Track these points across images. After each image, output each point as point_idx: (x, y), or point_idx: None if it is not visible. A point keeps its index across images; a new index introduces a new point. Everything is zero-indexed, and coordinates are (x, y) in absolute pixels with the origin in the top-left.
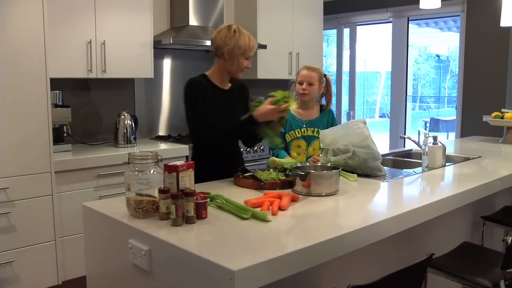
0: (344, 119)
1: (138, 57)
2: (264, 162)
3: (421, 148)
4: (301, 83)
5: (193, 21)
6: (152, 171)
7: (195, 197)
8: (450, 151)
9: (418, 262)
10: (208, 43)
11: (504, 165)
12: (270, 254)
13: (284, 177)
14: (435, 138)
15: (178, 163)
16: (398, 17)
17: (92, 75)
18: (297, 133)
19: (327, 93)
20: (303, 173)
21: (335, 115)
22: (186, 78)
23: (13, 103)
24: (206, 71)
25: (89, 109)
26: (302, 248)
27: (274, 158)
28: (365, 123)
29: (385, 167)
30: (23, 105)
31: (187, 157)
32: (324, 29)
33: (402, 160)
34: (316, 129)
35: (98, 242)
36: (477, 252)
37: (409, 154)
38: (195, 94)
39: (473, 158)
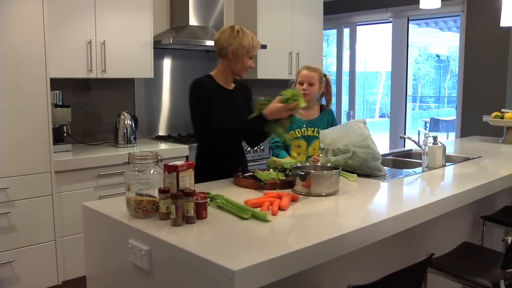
0: (344, 119)
1: (138, 57)
2: (264, 162)
3: (421, 148)
4: (301, 83)
5: (193, 21)
6: (152, 171)
7: (195, 197)
8: (450, 151)
9: (418, 262)
10: (208, 43)
11: (504, 165)
12: (270, 254)
13: (284, 177)
14: (435, 138)
15: (178, 163)
16: (398, 17)
17: (92, 75)
18: (297, 133)
19: (327, 93)
20: (303, 173)
21: (335, 115)
22: (186, 78)
23: (13, 103)
24: (207, 71)
25: (89, 109)
26: (302, 248)
27: (274, 158)
28: (365, 123)
29: (385, 167)
30: (23, 105)
31: (187, 157)
32: (324, 29)
33: (402, 160)
34: (316, 129)
35: (98, 242)
36: (477, 252)
37: (409, 154)
38: (202, 94)
39: (473, 158)
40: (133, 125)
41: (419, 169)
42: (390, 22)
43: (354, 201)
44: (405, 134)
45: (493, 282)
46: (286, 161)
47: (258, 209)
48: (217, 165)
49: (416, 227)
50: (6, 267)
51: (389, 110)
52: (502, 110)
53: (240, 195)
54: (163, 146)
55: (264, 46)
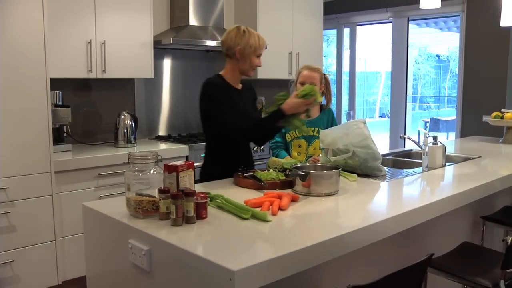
0: (344, 119)
1: (138, 57)
2: (264, 162)
3: (421, 148)
4: (303, 84)
5: (193, 21)
6: (152, 171)
7: (195, 197)
8: (450, 151)
9: (418, 262)
10: (208, 43)
11: (504, 165)
12: (270, 254)
13: (284, 177)
14: (435, 138)
15: (178, 163)
16: (398, 17)
17: (92, 75)
18: (297, 132)
19: (326, 92)
20: (303, 173)
21: (335, 114)
22: (186, 78)
23: (13, 103)
24: (207, 71)
25: (89, 109)
26: (302, 248)
27: (274, 158)
28: (365, 123)
29: (385, 167)
30: (23, 105)
31: (187, 157)
32: (324, 29)
33: (402, 160)
34: (316, 129)
35: (98, 242)
36: (477, 252)
37: (409, 154)
38: (217, 93)
39: (473, 158)
40: (133, 125)
41: (419, 169)
42: (390, 22)
43: (354, 201)
44: (405, 134)
45: (493, 282)
46: (286, 161)
47: (258, 209)
48: (226, 164)
49: (416, 227)
50: (6, 267)
51: (389, 110)
52: (502, 110)
53: (240, 195)
54: (163, 146)
55: None
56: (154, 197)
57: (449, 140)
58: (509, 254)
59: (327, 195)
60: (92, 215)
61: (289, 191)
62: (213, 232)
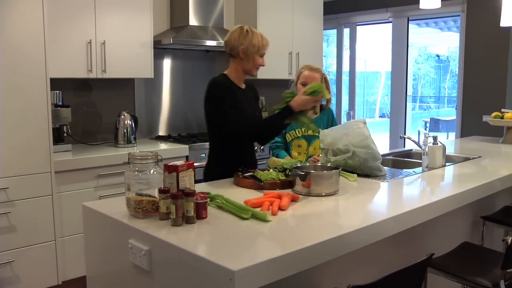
0: (344, 119)
1: (138, 57)
2: (264, 162)
3: (421, 148)
4: (304, 84)
5: (193, 21)
6: (152, 171)
7: (195, 197)
8: (450, 151)
9: (418, 262)
10: (208, 43)
11: (504, 165)
12: (270, 254)
13: (284, 177)
14: (435, 138)
15: (178, 163)
16: (398, 17)
17: (92, 75)
18: (297, 132)
19: None
20: (303, 173)
21: (334, 114)
22: (186, 78)
23: (13, 103)
24: (207, 71)
25: (89, 109)
26: (302, 248)
27: (274, 158)
28: (365, 123)
29: (385, 167)
30: (23, 105)
31: (187, 157)
32: (324, 29)
33: (402, 160)
34: (316, 128)
35: (98, 242)
36: (477, 252)
37: (409, 154)
38: (224, 92)
39: (473, 158)
40: (133, 125)
41: (419, 169)
42: (390, 22)
43: (354, 201)
44: (405, 134)
45: (493, 282)
46: (286, 161)
47: (258, 209)
48: (230, 164)
49: (416, 227)
50: (6, 267)
51: (389, 110)
52: (502, 110)
53: (240, 195)
54: (163, 146)
55: None
56: (154, 197)
57: (449, 140)
58: (509, 254)
59: (327, 195)
60: (92, 215)
61: (289, 191)
62: (213, 232)
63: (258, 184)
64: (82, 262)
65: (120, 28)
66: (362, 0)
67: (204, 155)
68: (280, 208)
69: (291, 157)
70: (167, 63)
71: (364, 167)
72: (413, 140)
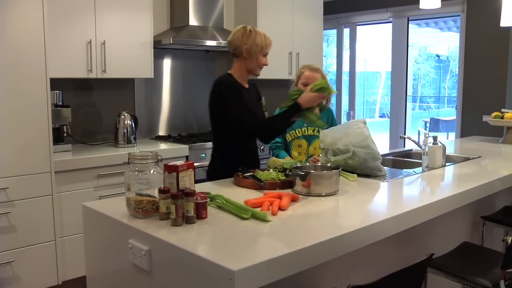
0: (344, 119)
1: (138, 57)
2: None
3: (421, 148)
4: (306, 85)
5: (193, 21)
6: (152, 171)
7: (195, 197)
8: (450, 151)
9: (418, 262)
10: (208, 43)
11: (504, 165)
12: (270, 254)
13: (284, 177)
14: (435, 138)
15: (178, 163)
16: (398, 17)
17: (92, 75)
18: (297, 132)
19: None
20: (303, 173)
21: (334, 114)
22: (186, 78)
23: (13, 103)
24: (207, 71)
25: (89, 109)
26: (302, 248)
27: (274, 158)
28: (365, 123)
29: (385, 167)
30: (23, 105)
31: (187, 157)
32: (324, 29)
33: (402, 160)
34: (316, 128)
35: (98, 242)
36: (477, 252)
37: (409, 154)
38: (231, 91)
39: (473, 158)
40: (133, 125)
41: (419, 169)
42: (390, 22)
43: (354, 201)
44: (405, 134)
45: (493, 282)
46: (286, 161)
47: (258, 209)
48: (234, 163)
49: (416, 227)
50: (6, 267)
51: (389, 110)
52: (502, 110)
53: (240, 195)
54: (163, 146)
55: None
56: (154, 197)
57: (449, 140)
58: (509, 254)
59: (327, 195)
60: (92, 215)
61: (289, 191)
62: (213, 232)
63: (258, 184)
64: (82, 262)
65: (120, 28)
66: (362, 0)
67: (204, 155)
68: (280, 208)
69: (291, 157)
70: (167, 63)
71: (364, 167)
72: (413, 140)
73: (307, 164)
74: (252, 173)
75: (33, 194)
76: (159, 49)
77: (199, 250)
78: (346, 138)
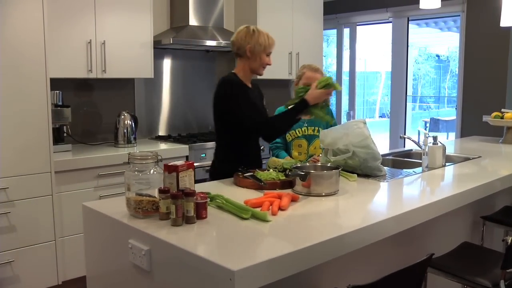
0: (344, 119)
1: (138, 57)
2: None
3: (421, 148)
4: (307, 85)
5: (193, 21)
6: (152, 171)
7: (195, 197)
8: (450, 151)
9: (418, 262)
10: (208, 43)
11: (504, 165)
12: (270, 254)
13: (284, 177)
14: (435, 138)
15: (178, 163)
16: (398, 17)
17: (92, 75)
18: (297, 132)
19: None
20: (303, 173)
21: (334, 113)
22: (186, 78)
23: (13, 103)
24: (207, 71)
25: (89, 109)
26: (302, 248)
27: (274, 158)
28: (365, 123)
29: (385, 167)
30: (23, 105)
31: (187, 157)
32: (324, 29)
33: (402, 160)
34: (316, 128)
35: (98, 242)
36: (477, 252)
37: (409, 154)
38: (239, 90)
39: (473, 158)
40: (133, 125)
41: (419, 169)
42: (390, 22)
43: (354, 201)
44: (405, 134)
45: (493, 282)
46: (286, 161)
47: (258, 209)
48: (238, 162)
49: (416, 227)
50: (6, 267)
51: (389, 110)
52: (502, 110)
53: (240, 195)
54: (163, 146)
55: None
56: (154, 197)
57: (449, 140)
58: (509, 254)
59: (327, 195)
60: (92, 215)
61: (289, 191)
62: (213, 232)
63: (258, 184)
64: (82, 262)
65: (120, 28)
66: (362, 0)
67: (204, 155)
68: (280, 208)
69: (291, 157)
70: (167, 63)
71: (364, 167)
72: (413, 140)
73: (307, 164)
74: (252, 173)
75: (33, 194)
76: (159, 49)
77: (199, 250)
78: (346, 138)
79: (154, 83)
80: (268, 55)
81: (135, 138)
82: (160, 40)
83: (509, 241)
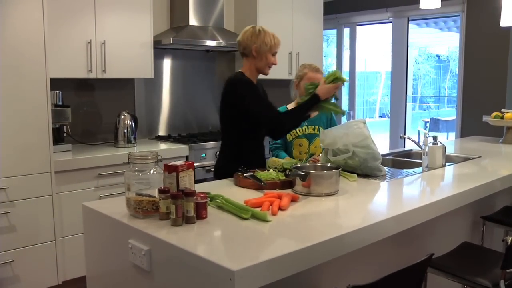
0: (344, 119)
1: (138, 57)
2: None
3: (421, 148)
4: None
5: (193, 21)
6: (152, 171)
7: (195, 197)
8: (450, 151)
9: (418, 262)
10: (208, 43)
11: (504, 165)
12: (270, 254)
13: (284, 177)
14: (435, 138)
15: (178, 163)
16: (398, 17)
17: (92, 75)
18: (298, 131)
19: None
20: (303, 173)
21: (333, 114)
22: (186, 78)
23: (13, 103)
24: (207, 71)
25: (89, 109)
26: (302, 248)
27: (274, 158)
28: (365, 123)
29: (385, 167)
30: (23, 105)
31: (187, 157)
32: (324, 29)
33: (402, 160)
34: (317, 127)
35: (98, 242)
36: (477, 252)
37: (409, 154)
38: (250, 86)
39: (473, 158)
40: (133, 125)
41: (419, 169)
42: (390, 22)
43: (354, 201)
44: (405, 134)
45: (493, 282)
46: (286, 161)
47: (258, 209)
48: (244, 161)
49: (416, 227)
50: (6, 267)
51: (389, 110)
52: (502, 110)
53: (240, 195)
54: (163, 146)
55: None
56: (154, 197)
57: (449, 140)
58: (509, 254)
59: (327, 195)
60: (92, 215)
61: (289, 191)
62: (213, 232)
63: (258, 184)
64: (82, 262)
65: (120, 28)
66: (362, 0)
67: (204, 155)
68: (280, 208)
69: (291, 157)
70: (167, 63)
71: (364, 167)
72: (413, 140)
73: (307, 164)
74: (252, 173)
75: (33, 194)
76: (159, 49)
77: (199, 250)
78: (346, 138)
79: (154, 83)
80: (273, 55)
81: (135, 138)
82: (160, 40)
83: (509, 241)
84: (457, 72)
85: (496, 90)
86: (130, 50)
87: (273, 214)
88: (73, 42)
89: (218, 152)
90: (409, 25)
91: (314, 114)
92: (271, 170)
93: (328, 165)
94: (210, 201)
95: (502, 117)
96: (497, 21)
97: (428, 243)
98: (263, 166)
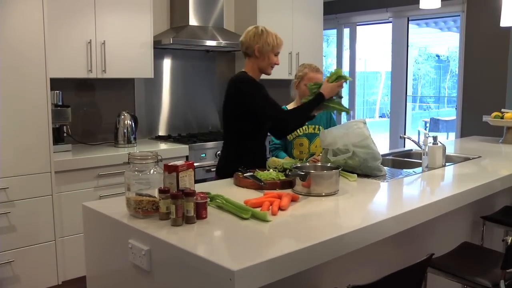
0: (344, 119)
1: (138, 57)
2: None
3: (421, 148)
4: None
5: (193, 21)
6: (152, 171)
7: (195, 197)
8: (450, 151)
9: (418, 262)
10: (208, 43)
11: (504, 165)
12: (270, 254)
13: (284, 177)
14: (435, 138)
15: (178, 163)
16: (398, 17)
17: (92, 75)
18: (298, 131)
19: None
20: (303, 173)
21: (333, 113)
22: (186, 78)
23: (13, 103)
24: (207, 71)
25: (89, 109)
26: (302, 248)
27: (274, 158)
28: (365, 123)
29: (385, 167)
30: (23, 105)
31: (187, 157)
32: (324, 29)
33: (402, 160)
34: (317, 126)
35: (98, 242)
36: (477, 252)
37: (409, 154)
38: (256, 86)
39: (473, 158)
40: (133, 125)
41: (419, 169)
42: (390, 22)
43: (354, 201)
44: (405, 134)
45: (493, 282)
46: (286, 161)
47: (258, 209)
48: (247, 160)
49: (416, 227)
50: (6, 267)
51: (389, 110)
52: (502, 110)
53: (240, 195)
54: (163, 146)
55: None
56: (154, 197)
57: (449, 140)
58: (509, 254)
59: (327, 195)
60: (92, 215)
61: (289, 191)
62: (213, 232)
63: (258, 184)
64: (82, 262)
65: (120, 28)
66: (362, 0)
67: (204, 155)
68: (280, 208)
69: (291, 157)
70: (167, 63)
71: (364, 167)
72: (413, 140)
73: (307, 164)
74: (252, 173)
75: (33, 194)
76: (159, 49)
77: (199, 250)
78: (346, 138)
79: (154, 83)
80: (276, 55)
81: (135, 138)
82: (160, 40)
83: (509, 241)
84: (457, 72)
85: (496, 90)
86: (130, 50)
87: (273, 214)
88: (73, 42)
89: (218, 152)
90: (409, 25)
91: (319, 111)
92: (271, 170)
93: (328, 165)
94: (210, 201)
95: (502, 117)
96: (497, 21)
97: (428, 243)
98: (264, 166)
